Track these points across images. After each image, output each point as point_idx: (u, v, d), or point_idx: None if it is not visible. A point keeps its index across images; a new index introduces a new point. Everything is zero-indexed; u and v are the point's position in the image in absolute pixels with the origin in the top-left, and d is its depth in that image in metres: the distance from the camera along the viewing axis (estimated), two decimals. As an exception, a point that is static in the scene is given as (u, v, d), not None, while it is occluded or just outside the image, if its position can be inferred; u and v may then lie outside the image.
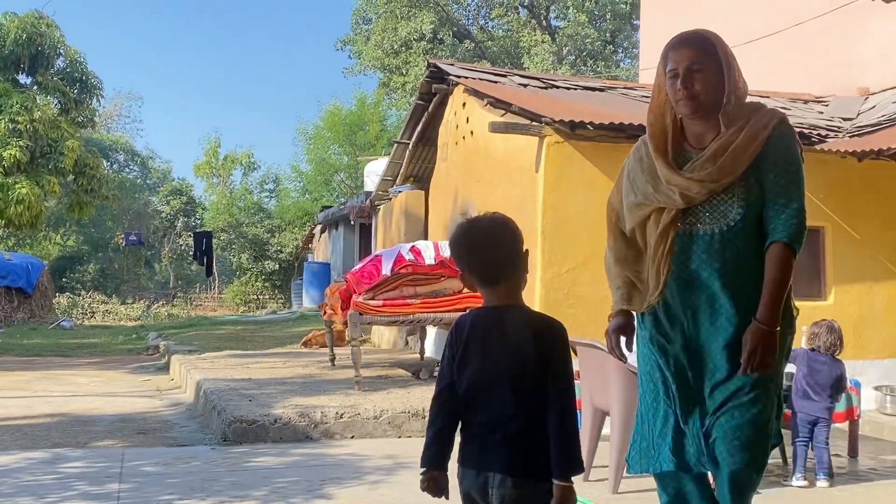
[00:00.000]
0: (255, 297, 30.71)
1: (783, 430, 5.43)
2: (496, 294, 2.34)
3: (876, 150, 7.03)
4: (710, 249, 2.75)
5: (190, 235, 33.13)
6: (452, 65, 10.26)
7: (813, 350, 5.20)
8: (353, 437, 6.27)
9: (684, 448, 2.79)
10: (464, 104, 9.01)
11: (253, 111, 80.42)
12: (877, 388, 7.31)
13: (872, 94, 9.61)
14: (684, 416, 2.79)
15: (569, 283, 6.83)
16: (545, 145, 6.96)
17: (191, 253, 31.44)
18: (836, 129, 8.30)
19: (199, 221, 37.00)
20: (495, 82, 9.10)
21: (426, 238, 10.29)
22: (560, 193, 6.87)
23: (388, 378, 8.30)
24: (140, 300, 31.01)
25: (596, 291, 6.35)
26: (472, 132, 8.78)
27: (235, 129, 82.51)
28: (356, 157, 27.98)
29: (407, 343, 11.08)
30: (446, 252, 7.62)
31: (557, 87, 9.51)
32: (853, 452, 5.84)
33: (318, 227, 23.11)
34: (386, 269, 7.55)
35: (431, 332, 9.62)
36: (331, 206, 21.95)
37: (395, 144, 11.66)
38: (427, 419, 2.40)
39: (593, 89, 9.67)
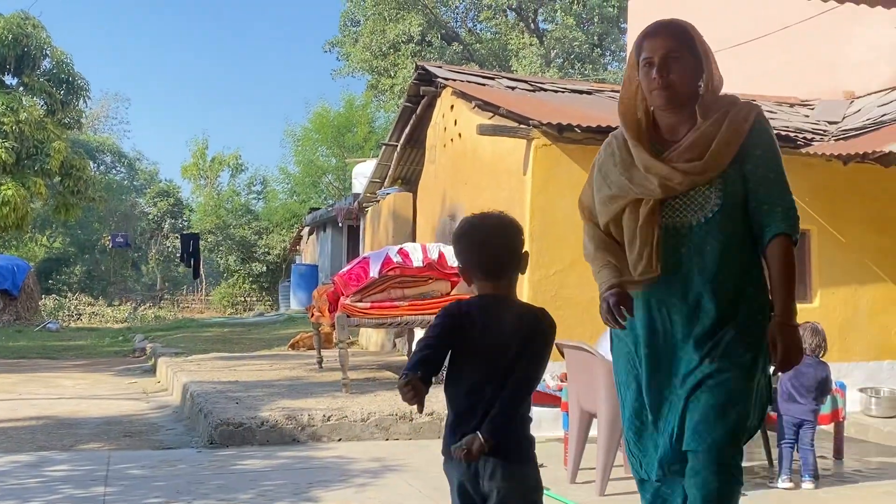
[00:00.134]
0: (242, 299, 30.62)
1: (770, 433, 5.50)
2: (496, 288, 2.45)
3: (861, 153, 7.07)
4: (689, 242, 2.69)
5: (177, 237, 32.99)
6: (440, 67, 10.26)
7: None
8: (340, 439, 6.26)
9: (661, 452, 2.71)
10: (452, 107, 9.02)
11: (241, 113, 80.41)
12: (862, 391, 7.35)
13: (858, 97, 9.66)
14: (655, 416, 2.72)
15: (556, 285, 6.84)
16: (533, 148, 6.97)
17: (178, 255, 31.32)
18: (821, 132, 8.34)
19: (186, 223, 36.88)
20: (483, 85, 9.10)
21: (414, 240, 10.28)
22: (548, 196, 6.88)
23: (376, 380, 8.30)
24: (127, 302, 30.87)
25: (583, 293, 6.37)
26: (459, 135, 8.79)
27: (223, 131, 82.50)
28: (344, 158, 27.91)
29: (395, 345, 11.07)
30: (434, 254, 7.62)
31: (545, 89, 9.52)
32: (838, 454, 5.87)
33: (306, 229, 23.07)
34: (374, 272, 7.54)
35: (419, 334, 9.62)
36: (318, 208, 21.91)
37: (383, 146, 11.65)
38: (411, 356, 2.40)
39: (581, 92, 9.69)
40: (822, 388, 5.20)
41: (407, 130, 10.56)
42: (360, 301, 7.43)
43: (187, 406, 7.46)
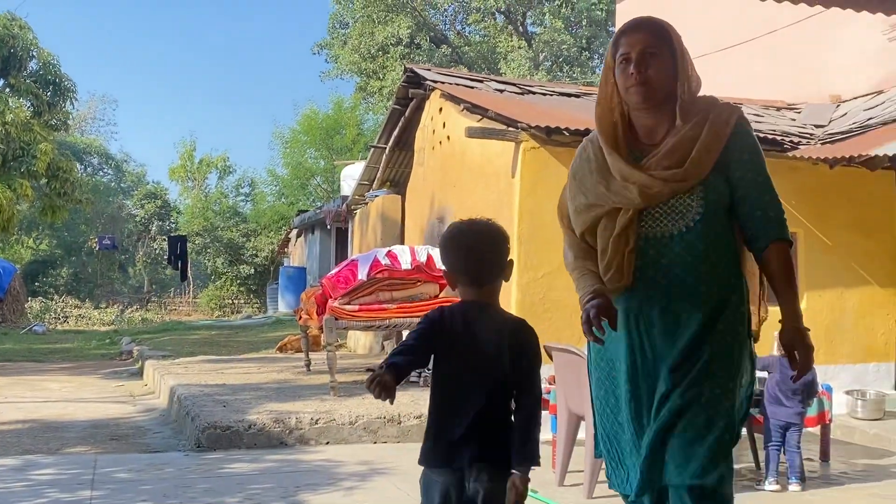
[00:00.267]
0: (230, 301, 30.54)
1: (756, 435, 5.52)
2: (479, 294, 2.48)
3: (847, 157, 7.11)
4: (670, 253, 2.54)
5: (164, 239, 32.86)
6: (429, 70, 10.27)
7: (784, 356, 5.24)
8: (328, 442, 6.24)
9: (644, 466, 2.54)
10: (440, 109, 9.02)
11: (229, 115, 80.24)
12: (848, 393, 7.38)
13: (844, 101, 9.72)
14: (638, 432, 2.57)
15: (544, 287, 6.85)
16: (521, 150, 6.99)
17: (165, 257, 31.17)
18: (808, 136, 8.39)
19: (173, 225, 36.76)
20: (472, 87, 9.12)
21: (402, 243, 10.28)
22: (536, 198, 6.90)
23: (364, 383, 8.28)
24: (114, 304, 30.75)
25: (571, 296, 6.32)
26: (448, 137, 8.79)
27: (211, 133, 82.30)
28: (333, 161, 27.85)
29: (383, 348, 11.05)
30: (422, 257, 7.62)
31: (533, 92, 9.54)
32: (825, 456, 5.90)
33: (294, 232, 23.02)
34: (362, 274, 7.54)
35: (407, 336, 9.61)
36: (307, 211, 21.88)
37: (372, 149, 11.64)
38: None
39: (569, 95, 9.71)
40: (809, 390, 5.22)
41: (395, 133, 10.56)
42: (349, 303, 7.42)
43: (174, 409, 7.43)
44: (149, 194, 39.02)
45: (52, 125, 18.90)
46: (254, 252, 29.79)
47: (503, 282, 2.52)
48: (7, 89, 17.83)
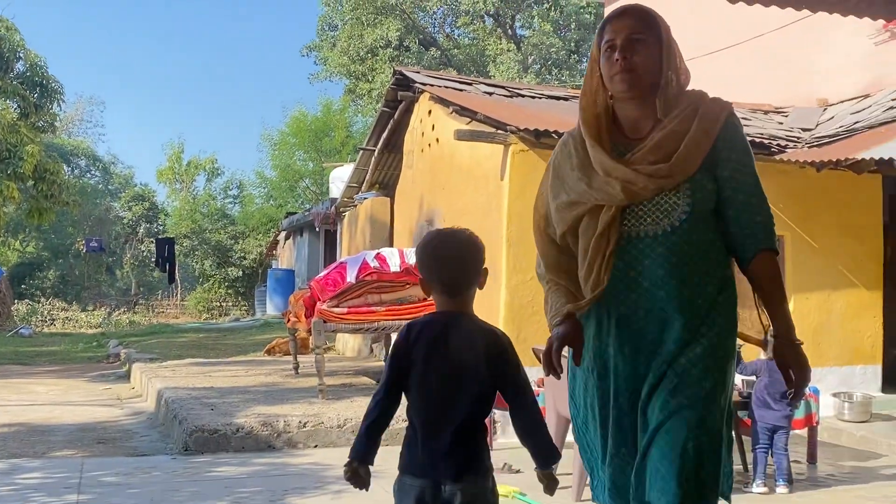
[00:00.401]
0: (218, 304, 30.42)
1: (745, 437, 5.54)
2: (453, 304, 2.51)
3: (834, 160, 7.15)
4: (654, 254, 2.39)
5: (152, 242, 32.71)
6: (418, 72, 10.28)
7: (772, 360, 5.27)
8: (316, 446, 6.23)
9: (623, 478, 2.43)
10: (429, 112, 9.02)
11: (217, 117, 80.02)
12: (835, 395, 7.42)
13: (831, 105, 9.78)
14: (617, 440, 2.44)
15: (533, 290, 6.85)
16: (510, 153, 7.00)
17: (153, 259, 31.04)
18: (795, 139, 8.43)
19: (161, 227, 36.61)
20: (461, 90, 9.13)
21: (391, 245, 10.27)
22: (525, 201, 6.90)
23: (353, 386, 8.27)
24: (101, 307, 30.61)
25: (560, 299, 6.38)
26: (437, 140, 8.80)
27: (199, 135, 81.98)
28: (321, 163, 27.82)
29: (372, 351, 11.04)
30: (411, 259, 7.62)
31: (522, 95, 9.56)
32: (812, 458, 5.93)
33: (283, 234, 22.97)
34: (351, 277, 7.53)
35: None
36: (295, 213, 21.83)
37: (361, 151, 11.64)
38: (364, 412, 2.50)
39: (558, 98, 9.74)
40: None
41: (384, 135, 10.56)
42: (337, 306, 7.41)
43: (162, 412, 7.40)
44: (136, 196, 38.84)
45: (39, 127, 18.79)
46: (242, 254, 29.70)
47: (477, 290, 2.55)
48: (-7, 91, 17.74)
